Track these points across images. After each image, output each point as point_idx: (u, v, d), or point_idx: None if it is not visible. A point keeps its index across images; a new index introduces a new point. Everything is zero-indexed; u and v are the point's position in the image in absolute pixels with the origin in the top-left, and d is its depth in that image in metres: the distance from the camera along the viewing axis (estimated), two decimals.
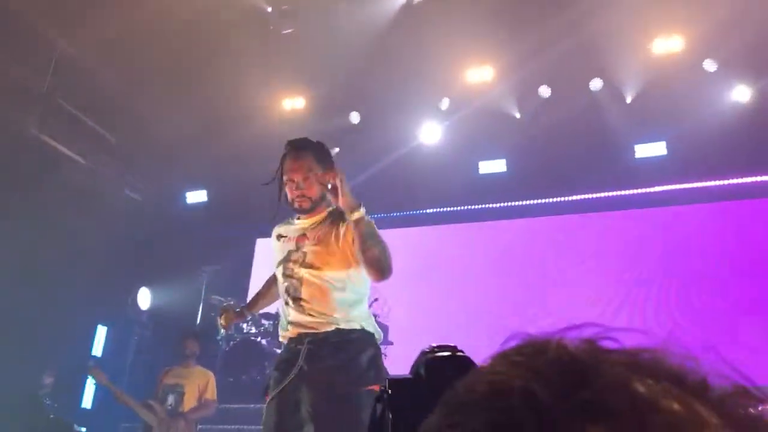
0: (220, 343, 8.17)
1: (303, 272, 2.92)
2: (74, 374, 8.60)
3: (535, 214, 8.98)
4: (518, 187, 8.94)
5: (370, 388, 2.68)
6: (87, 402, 8.80)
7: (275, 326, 8.08)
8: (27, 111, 8.26)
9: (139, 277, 9.52)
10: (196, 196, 10.27)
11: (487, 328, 8.45)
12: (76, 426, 5.95)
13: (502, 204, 9.09)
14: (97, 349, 9.07)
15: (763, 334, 7.16)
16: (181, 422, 5.41)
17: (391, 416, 0.49)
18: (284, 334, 2.98)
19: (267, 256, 11.53)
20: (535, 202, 8.99)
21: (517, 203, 9.05)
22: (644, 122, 8.27)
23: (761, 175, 8.07)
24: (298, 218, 3.11)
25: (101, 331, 9.16)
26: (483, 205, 9.08)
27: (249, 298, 9.60)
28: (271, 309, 8.24)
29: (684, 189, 8.29)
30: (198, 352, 5.80)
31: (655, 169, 8.32)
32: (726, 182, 8.16)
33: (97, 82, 8.45)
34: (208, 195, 10.26)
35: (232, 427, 7.04)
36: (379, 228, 2.85)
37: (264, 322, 8.24)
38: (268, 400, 2.89)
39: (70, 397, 8.02)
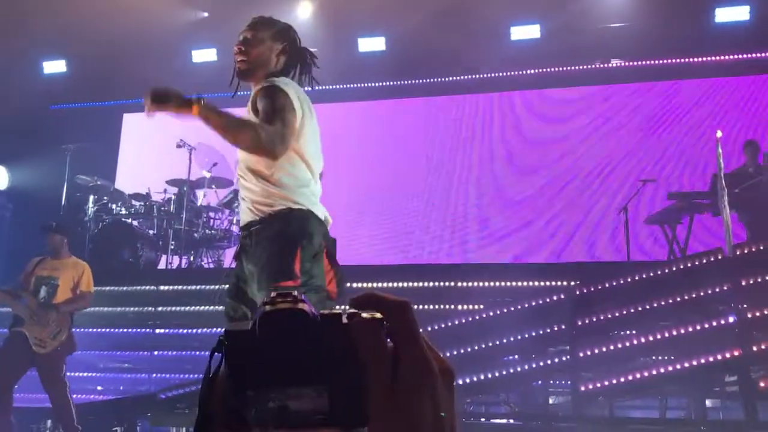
0: (88, 224, 7.85)
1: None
2: None
3: (410, 95, 9.03)
4: (396, 67, 8.88)
5: (276, 284, 2.41)
6: None
7: (147, 207, 7.86)
8: None
9: None
10: (54, 66, 9.50)
11: (352, 207, 8.63)
12: None
13: (379, 83, 9.04)
14: None
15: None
16: (53, 314, 5.22)
17: (228, 369, 0.48)
18: None
19: (135, 133, 11.07)
20: (412, 82, 9.00)
21: (393, 83, 9.03)
22: (519, 4, 8.33)
23: (625, 61, 8.44)
24: None
25: None
26: (360, 84, 8.99)
27: (117, 179, 9.24)
28: (141, 189, 8.00)
29: (557, 71, 8.56)
30: (63, 244, 5.52)
31: (530, 52, 8.49)
32: (598, 66, 8.50)
33: None
34: (68, 65, 9.51)
35: (105, 309, 6.93)
36: None
37: (135, 203, 7.97)
38: None
39: None
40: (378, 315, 0.50)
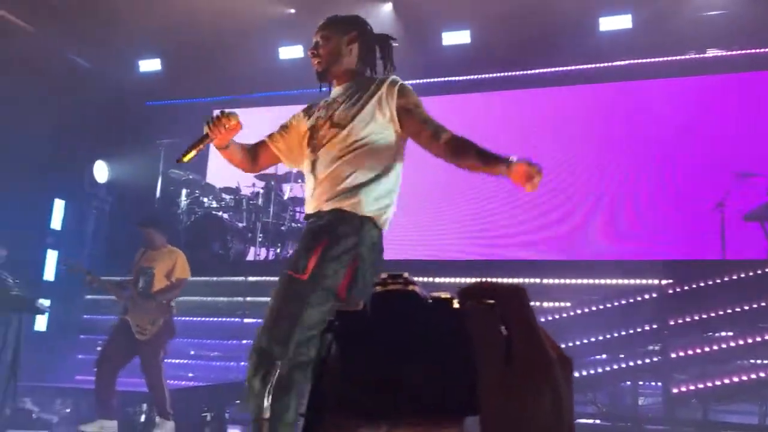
0: (181, 217, 8.15)
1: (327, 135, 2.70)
2: (34, 248, 8.58)
3: (496, 88, 8.92)
4: (482, 60, 8.78)
5: (294, 274, 2.50)
6: (49, 274, 8.84)
7: (236, 201, 8.08)
8: None
9: (94, 149, 9.30)
10: (150, 65, 9.87)
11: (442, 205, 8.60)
12: (39, 301, 6.00)
13: (465, 77, 8.98)
14: (56, 223, 8.99)
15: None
16: (151, 303, 5.50)
17: (339, 351, 0.47)
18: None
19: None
20: (498, 75, 8.89)
21: (478, 76, 8.94)
22: None
23: (722, 51, 8.06)
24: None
25: (58, 205, 9.04)
26: (447, 78, 8.96)
27: (208, 173, 9.52)
28: (231, 183, 8.24)
29: (649, 63, 8.27)
30: (156, 236, 5.75)
31: (619, 43, 8.23)
32: (692, 57, 8.17)
33: None
34: (162, 63, 9.87)
35: (197, 298, 7.17)
36: None
37: (225, 196, 8.21)
38: None
39: (31, 271, 8.02)
40: (491, 302, 0.49)
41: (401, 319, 0.47)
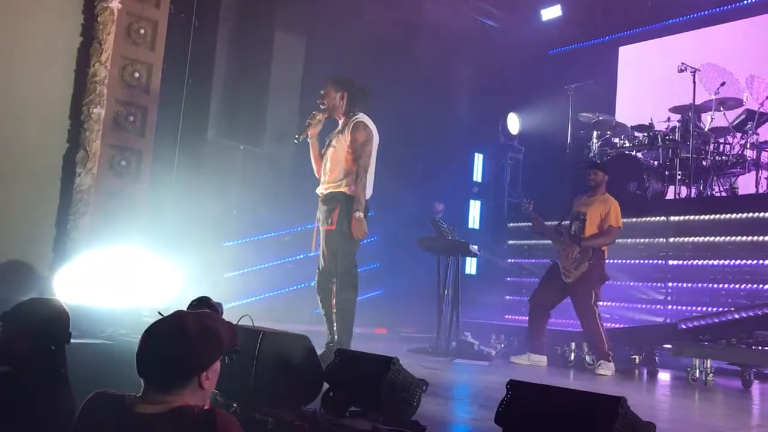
0: (594, 160, 8.09)
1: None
2: (460, 199, 9.45)
3: None
4: None
5: (327, 228, 4.50)
6: (474, 223, 9.66)
7: (650, 138, 7.74)
8: None
9: (505, 103, 9.77)
10: (551, 12, 9.91)
11: None
12: (471, 245, 6.55)
13: None
14: (477, 175, 9.75)
15: None
16: (575, 248, 5.60)
17: None
18: None
19: (632, 67, 10.95)
20: None
21: None
22: None
23: None
24: None
25: (478, 158, 9.78)
26: None
27: (617, 112, 9.29)
28: (643, 120, 7.89)
29: None
30: (603, 181, 5.78)
31: None
32: None
33: None
34: (563, 8, 9.83)
35: (618, 241, 7.00)
36: None
37: (637, 134, 7.90)
38: None
39: (459, 220, 8.85)
40: None
41: None
